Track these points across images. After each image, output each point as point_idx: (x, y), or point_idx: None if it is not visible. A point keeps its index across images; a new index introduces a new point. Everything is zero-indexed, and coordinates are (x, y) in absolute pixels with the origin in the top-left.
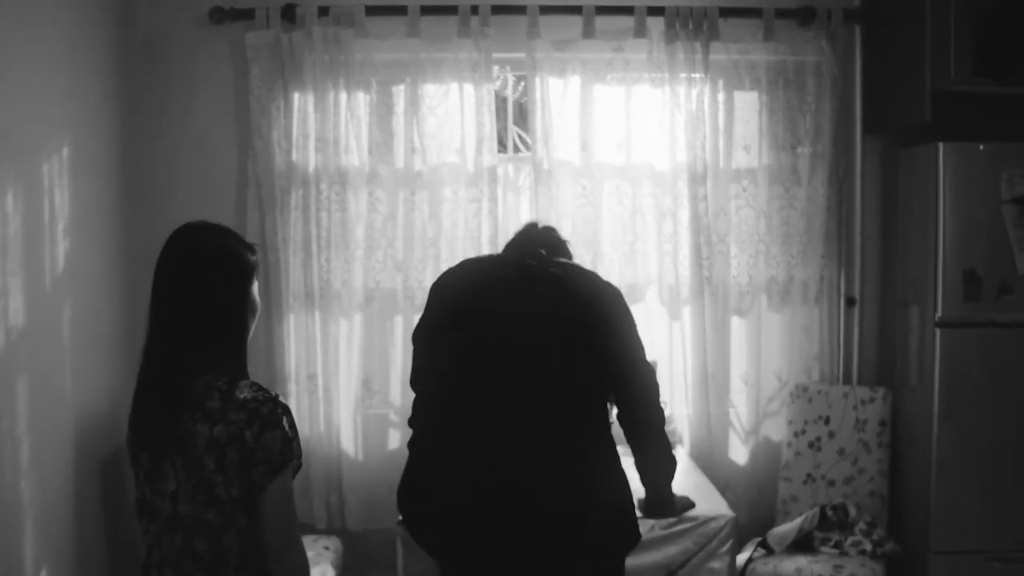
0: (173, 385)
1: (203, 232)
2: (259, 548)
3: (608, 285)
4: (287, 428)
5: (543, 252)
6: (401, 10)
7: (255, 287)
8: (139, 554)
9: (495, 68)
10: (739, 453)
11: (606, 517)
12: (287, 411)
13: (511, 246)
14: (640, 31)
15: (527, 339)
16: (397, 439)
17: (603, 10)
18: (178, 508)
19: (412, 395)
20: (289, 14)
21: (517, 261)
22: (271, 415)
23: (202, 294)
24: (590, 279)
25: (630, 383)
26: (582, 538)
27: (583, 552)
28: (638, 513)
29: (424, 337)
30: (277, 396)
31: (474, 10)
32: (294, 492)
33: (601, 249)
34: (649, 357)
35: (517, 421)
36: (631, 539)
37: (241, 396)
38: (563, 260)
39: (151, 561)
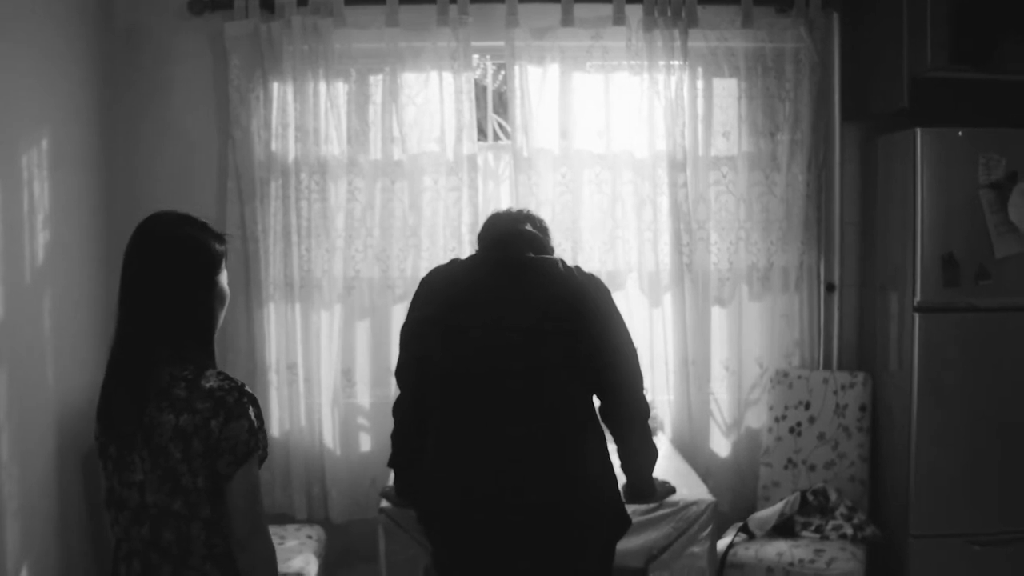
0: (139, 375)
1: (170, 222)
2: (226, 539)
3: (592, 278)
4: (253, 418)
5: (529, 253)
6: None
7: (224, 277)
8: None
9: (474, 57)
10: (721, 441)
11: (599, 509)
12: (253, 400)
13: (494, 243)
14: (618, 19)
15: (516, 342)
16: (374, 434)
17: None
18: (145, 498)
19: (382, 389)
20: (268, 4)
21: (503, 261)
22: (237, 404)
23: (168, 284)
24: (573, 274)
25: (615, 375)
26: (576, 531)
27: (579, 543)
28: (622, 499)
29: (411, 336)
30: (243, 385)
31: None
32: (275, 484)
33: (581, 237)
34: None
35: (511, 425)
36: (622, 526)
37: (207, 385)
38: (547, 257)
39: (120, 553)
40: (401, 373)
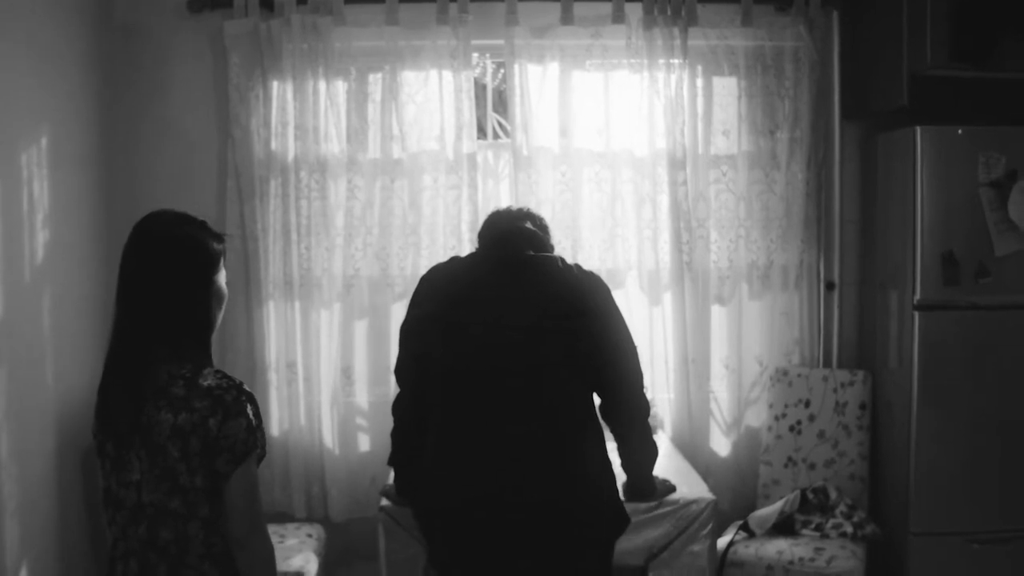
0: (136, 373)
1: (167, 221)
2: (224, 538)
3: (591, 275)
4: (251, 416)
5: (529, 251)
6: None
7: (222, 276)
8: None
9: (474, 55)
10: (721, 439)
11: (598, 507)
12: (251, 399)
13: (494, 241)
14: (618, 17)
15: (516, 340)
16: (373, 432)
17: None
18: (142, 497)
19: (381, 388)
20: (267, 2)
21: (503, 259)
22: (235, 403)
23: (166, 283)
24: (573, 272)
25: (615, 373)
26: (576, 529)
27: (579, 541)
28: (621, 498)
29: (411, 333)
30: (241, 384)
31: None
32: (275, 482)
33: (581, 235)
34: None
35: (511, 423)
36: (622, 524)
37: (205, 384)
38: (547, 255)
39: (116, 552)
40: (401, 371)
